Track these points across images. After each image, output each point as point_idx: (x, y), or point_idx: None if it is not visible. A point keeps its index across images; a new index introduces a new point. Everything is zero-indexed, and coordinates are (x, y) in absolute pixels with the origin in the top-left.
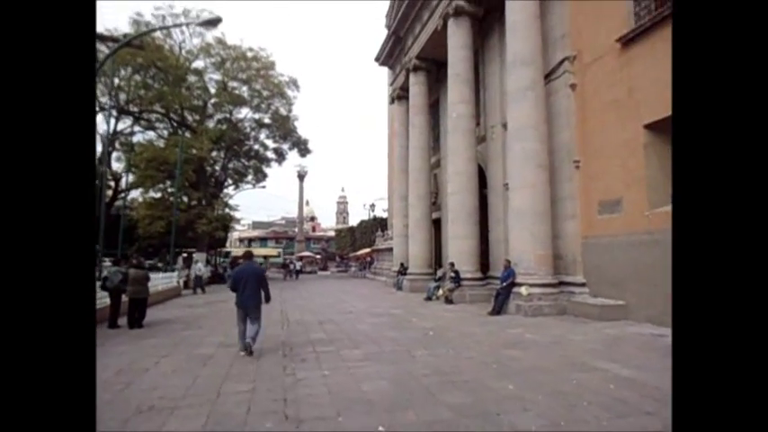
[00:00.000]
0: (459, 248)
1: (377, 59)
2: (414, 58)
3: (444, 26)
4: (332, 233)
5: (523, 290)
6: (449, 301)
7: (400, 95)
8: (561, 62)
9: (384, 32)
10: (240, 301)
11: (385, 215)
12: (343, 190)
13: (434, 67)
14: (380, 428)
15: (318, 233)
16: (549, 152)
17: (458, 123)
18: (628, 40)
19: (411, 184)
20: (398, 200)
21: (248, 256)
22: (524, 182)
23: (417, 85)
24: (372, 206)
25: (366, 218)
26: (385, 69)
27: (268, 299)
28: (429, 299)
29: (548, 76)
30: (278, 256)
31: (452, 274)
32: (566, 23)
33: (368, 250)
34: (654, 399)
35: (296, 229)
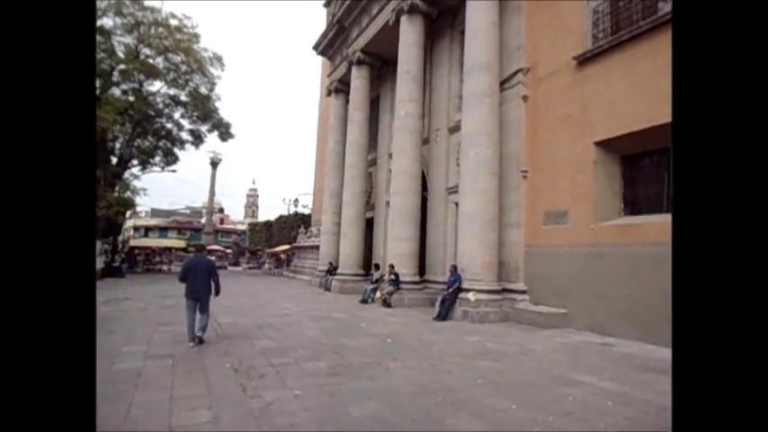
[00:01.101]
0: (400, 250)
1: (315, 48)
2: (358, 51)
3: (396, 21)
4: (242, 227)
5: (471, 295)
6: (387, 304)
7: (338, 88)
8: (515, 73)
9: (317, 17)
10: (191, 291)
11: (306, 211)
12: (254, 182)
13: (378, 62)
14: None
15: (227, 226)
16: (499, 160)
17: (405, 122)
18: (584, 59)
19: (346, 182)
20: (329, 196)
21: (200, 249)
22: (476, 188)
23: (360, 79)
24: (296, 201)
25: (285, 213)
26: (318, 60)
27: (218, 291)
28: (365, 301)
29: (501, 85)
30: (185, 248)
31: (392, 277)
32: (522, 36)
33: (287, 247)
34: (657, 415)
35: (202, 220)
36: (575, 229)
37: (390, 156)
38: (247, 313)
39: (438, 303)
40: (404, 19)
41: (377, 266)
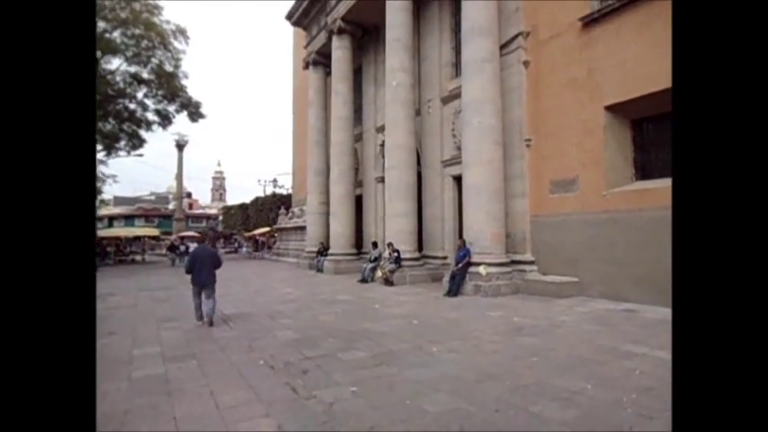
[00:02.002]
0: (398, 227)
1: (288, 18)
2: (339, 19)
3: None
4: (211, 211)
5: (482, 269)
6: (389, 282)
7: (317, 60)
8: (515, 37)
9: None
10: (197, 279)
11: (285, 191)
12: (219, 164)
13: (359, 31)
14: None
15: (197, 211)
16: (502, 129)
17: (397, 93)
18: (591, 21)
19: (333, 158)
20: (314, 175)
21: (201, 239)
22: (481, 158)
23: (342, 50)
24: (274, 181)
25: (261, 194)
26: (290, 31)
27: (219, 266)
28: (365, 281)
29: (500, 50)
30: (157, 237)
31: (395, 254)
32: None
33: (266, 229)
34: None
35: (169, 206)
36: (584, 196)
37: (378, 129)
38: (249, 301)
39: (447, 279)
40: None
41: (375, 245)
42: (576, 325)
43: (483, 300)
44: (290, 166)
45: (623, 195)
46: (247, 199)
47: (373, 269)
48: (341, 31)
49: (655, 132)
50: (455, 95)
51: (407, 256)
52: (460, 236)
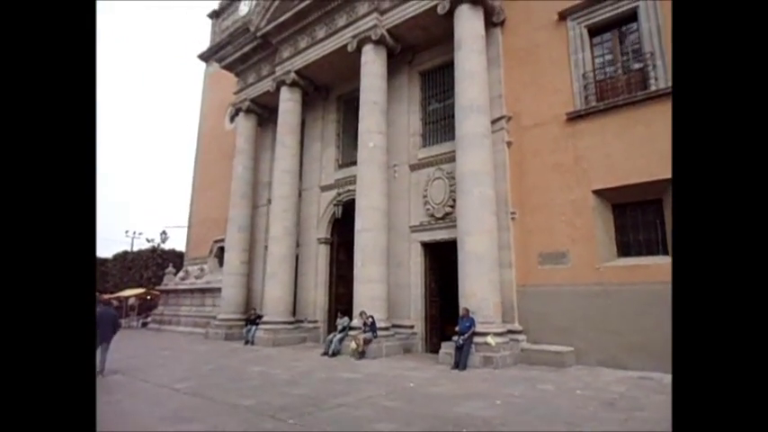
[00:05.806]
0: (372, 293)
1: (219, 60)
2: (293, 72)
3: (357, 49)
4: None
5: (490, 339)
6: (362, 355)
7: (251, 109)
8: (499, 119)
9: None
10: (102, 335)
11: (155, 246)
12: None
13: (311, 86)
14: None
15: None
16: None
17: (373, 154)
18: (577, 116)
19: (276, 214)
20: (237, 230)
21: (106, 302)
22: (483, 227)
23: (292, 102)
24: (163, 234)
25: (130, 249)
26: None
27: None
28: (333, 354)
29: None
30: None
31: (369, 320)
32: (501, 86)
33: (139, 291)
34: None
35: None
36: (576, 269)
37: (323, 188)
38: (238, 389)
39: (447, 351)
40: (368, 48)
41: (342, 313)
42: (643, 395)
43: (497, 372)
44: (186, 219)
45: (614, 270)
46: (107, 253)
47: (341, 340)
48: (293, 84)
49: (633, 216)
50: (425, 164)
51: (381, 325)
52: (431, 305)
